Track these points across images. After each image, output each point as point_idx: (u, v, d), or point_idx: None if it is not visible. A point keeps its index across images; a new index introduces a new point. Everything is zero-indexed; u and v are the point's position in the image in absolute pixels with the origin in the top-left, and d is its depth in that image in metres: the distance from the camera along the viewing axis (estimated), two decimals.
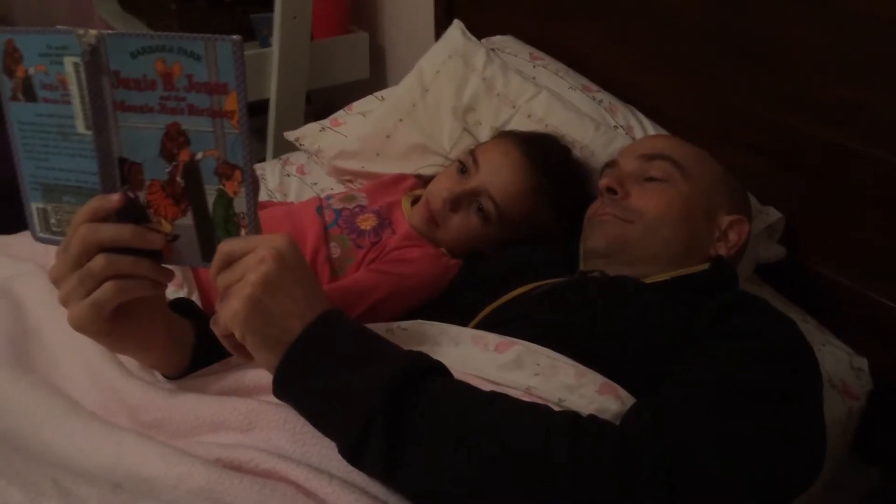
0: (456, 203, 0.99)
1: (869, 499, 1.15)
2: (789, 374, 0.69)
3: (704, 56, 1.22)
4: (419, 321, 0.78)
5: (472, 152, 1.04)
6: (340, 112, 1.39)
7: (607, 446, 0.58)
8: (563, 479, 0.56)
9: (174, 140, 0.61)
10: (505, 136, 1.09)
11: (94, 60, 0.60)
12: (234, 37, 0.58)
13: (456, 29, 1.35)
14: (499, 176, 1.00)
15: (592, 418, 0.62)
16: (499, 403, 0.62)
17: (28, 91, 0.63)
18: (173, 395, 0.70)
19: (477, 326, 0.83)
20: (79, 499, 0.57)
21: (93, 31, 0.60)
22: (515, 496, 0.56)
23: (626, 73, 1.34)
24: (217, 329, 0.64)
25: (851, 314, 1.14)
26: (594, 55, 1.39)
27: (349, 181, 1.30)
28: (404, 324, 0.77)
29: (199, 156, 0.62)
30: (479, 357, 0.72)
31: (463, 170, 1.02)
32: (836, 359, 1.06)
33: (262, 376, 0.69)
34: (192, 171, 0.62)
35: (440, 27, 1.65)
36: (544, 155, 1.04)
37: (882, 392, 1.07)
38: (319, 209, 1.03)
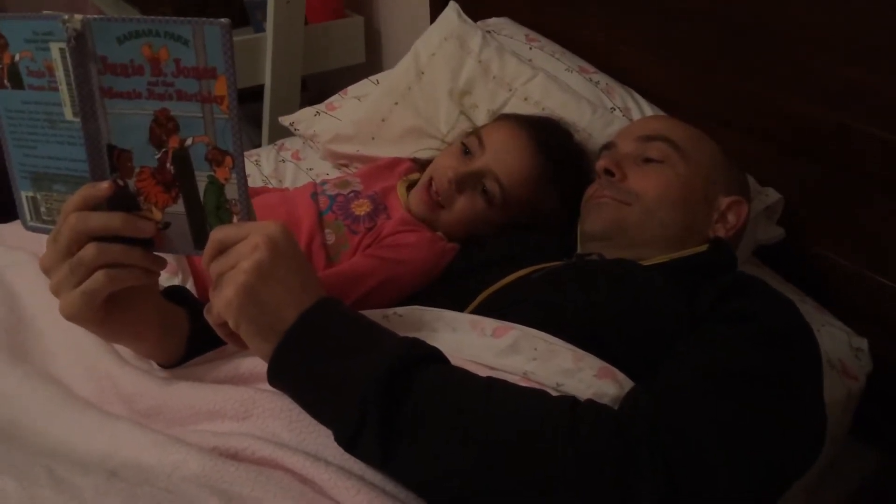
0: (461, 183, 0.98)
1: (867, 479, 1.15)
2: (788, 359, 0.69)
3: (704, 38, 1.21)
4: (416, 307, 0.78)
5: (476, 133, 1.03)
6: (335, 96, 1.38)
7: (604, 434, 0.58)
8: (560, 467, 0.56)
9: (163, 126, 0.61)
10: (509, 119, 1.08)
11: (79, 46, 0.59)
12: (222, 20, 0.57)
13: (451, 11, 1.33)
14: (505, 158, 0.99)
15: (590, 404, 0.62)
16: (495, 391, 0.61)
17: (14, 78, 0.62)
18: (169, 383, 0.69)
19: (474, 311, 0.82)
20: (74, 487, 0.56)
21: (78, 17, 0.59)
22: (512, 485, 0.56)
23: (624, 56, 1.33)
24: (211, 318, 0.63)
25: (851, 295, 1.13)
26: (592, 39, 1.37)
27: (344, 165, 1.29)
28: (401, 310, 0.77)
29: (189, 142, 0.61)
30: (476, 342, 0.72)
31: (467, 151, 1.01)
32: (835, 339, 1.06)
33: (257, 364, 0.69)
34: (182, 158, 0.61)
35: (436, 10, 1.63)
36: (550, 139, 1.04)
37: (881, 373, 1.06)
38: (314, 195, 1.02)
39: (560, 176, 1.02)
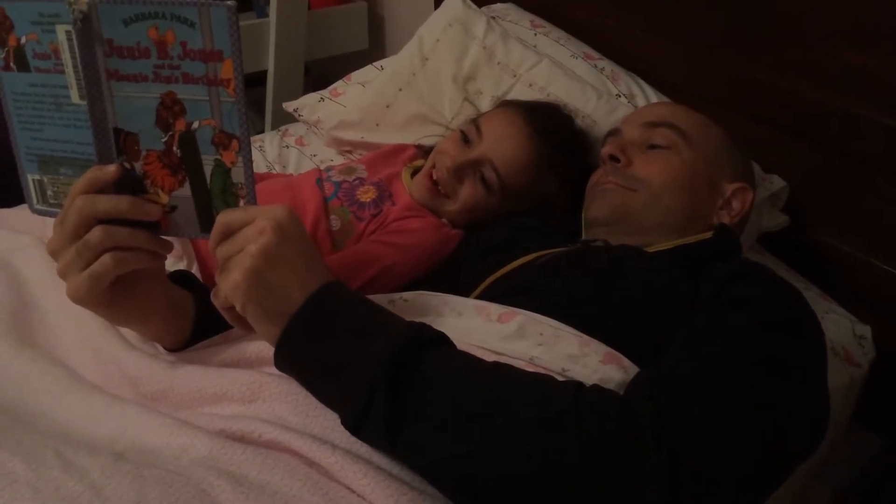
0: (460, 172, 0.98)
1: (870, 465, 1.16)
2: (792, 344, 0.69)
3: (708, 23, 1.20)
4: (421, 292, 0.78)
5: (474, 121, 1.03)
6: (339, 82, 1.38)
7: (610, 416, 0.58)
8: (564, 450, 0.56)
9: (170, 109, 0.60)
10: (508, 106, 1.08)
11: (85, 28, 0.59)
12: (229, 2, 0.57)
13: None
14: (502, 145, 0.99)
15: (595, 388, 0.62)
16: (502, 374, 0.61)
17: (21, 60, 0.62)
18: (175, 367, 0.69)
19: (479, 297, 0.82)
20: (81, 469, 0.57)
21: None
22: (516, 467, 0.56)
23: (630, 42, 1.32)
24: (217, 301, 0.63)
25: (855, 282, 1.13)
26: (598, 24, 1.37)
27: (348, 152, 1.29)
28: (406, 295, 0.77)
29: (196, 125, 0.61)
30: (482, 327, 0.72)
31: (466, 139, 1.01)
32: (839, 326, 1.06)
33: (263, 348, 0.69)
34: (189, 141, 0.61)
35: None
36: (548, 124, 1.03)
37: (885, 360, 1.07)
38: (319, 181, 1.02)
39: (559, 160, 1.02)
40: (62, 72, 0.61)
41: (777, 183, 1.14)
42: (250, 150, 0.61)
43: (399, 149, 1.16)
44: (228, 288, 0.60)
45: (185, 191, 0.63)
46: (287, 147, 1.34)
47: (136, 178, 0.63)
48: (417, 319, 0.64)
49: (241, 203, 0.63)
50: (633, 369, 0.69)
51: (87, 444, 0.61)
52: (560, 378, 0.64)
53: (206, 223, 0.64)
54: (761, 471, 0.61)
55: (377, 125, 1.24)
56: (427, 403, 0.58)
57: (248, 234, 0.60)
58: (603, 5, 1.36)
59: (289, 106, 1.37)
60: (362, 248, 0.93)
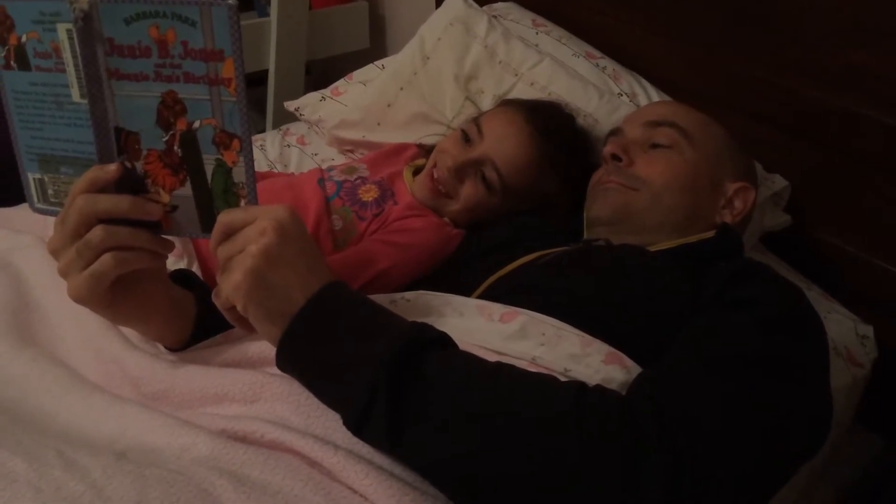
0: (460, 171, 0.98)
1: (872, 466, 1.16)
2: (794, 344, 0.69)
3: (708, 22, 1.20)
4: (423, 292, 0.78)
5: (476, 121, 1.02)
6: (340, 81, 1.38)
7: (612, 416, 0.58)
8: (568, 449, 0.56)
9: (171, 108, 0.60)
10: (509, 105, 1.08)
11: (86, 27, 0.59)
12: (230, 1, 0.56)
13: None
14: (503, 145, 0.99)
15: (598, 388, 0.62)
16: (503, 374, 0.61)
17: (21, 59, 0.62)
18: (176, 366, 0.69)
19: (481, 296, 0.82)
20: (83, 468, 0.56)
21: None
22: (519, 466, 0.56)
23: (629, 40, 1.32)
24: (219, 301, 0.63)
25: (857, 282, 1.13)
26: (597, 22, 1.37)
27: (350, 151, 1.29)
28: (408, 294, 0.77)
29: (197, 125, 0.60)
30: (483, 327, 0.72)
31: (467, 138, 1.00)
32: (841, 326, 1.06)
33: (265, 348, 0.69)
34: (190, 141, 0.61)
35: None
36: (549, 123, 1.03)
37: (887, 360, 1.06)
38: (321, 181, 1.02)
39: (561, 160, 1.02)
40: (63, 70, 0.61)
41: (779, 182, 1.13)
42: (251, 150, 0.61)
43: (401, 148, 1.16)
44: (230, 288, 0.60)
45: (186, 190, 0.63)
46: (288, 146, 1.34)
47: (136, 178, 0.63)
48: (419, 319, 0.64)
49: (243, 203, 0.63)
50: (635, 369, 0.69)
51: (89, 443, 0.61)
52: (562, 378, 0.64)
53: (208, 223, 0.63)
54: (761, 471, 0.61)
55: (378, 124, 1.24)
56: (428, 404, 0.58)
57: (250, 234, 0.60)
58: (602, 4, 1.36)
59: (290, 105, 1.37)
60: (364, 247, 0.93)
